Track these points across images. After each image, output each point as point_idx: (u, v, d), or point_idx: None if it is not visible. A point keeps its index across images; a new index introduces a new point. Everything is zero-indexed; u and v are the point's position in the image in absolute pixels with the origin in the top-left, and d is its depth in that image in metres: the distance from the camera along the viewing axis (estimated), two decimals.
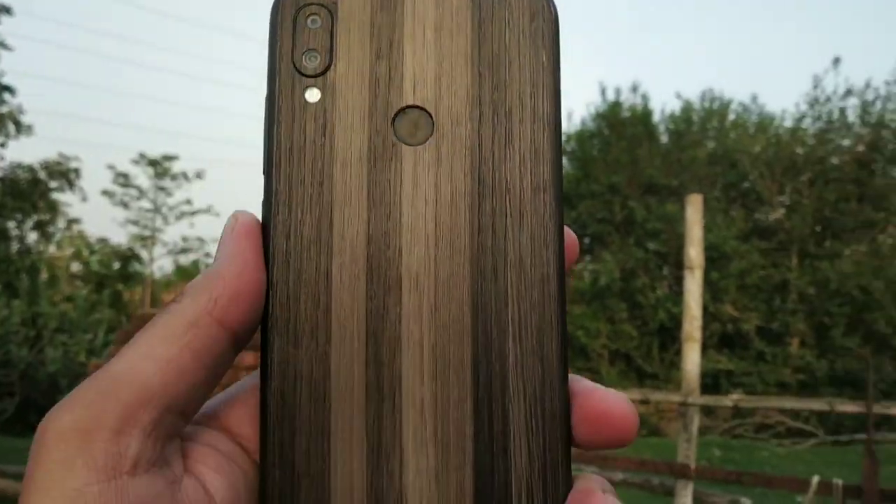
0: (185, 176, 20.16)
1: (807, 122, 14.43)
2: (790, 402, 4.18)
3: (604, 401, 0.28)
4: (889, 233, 13.43)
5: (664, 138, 15.19)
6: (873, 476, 3.09)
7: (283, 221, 0.29)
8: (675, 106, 15.35)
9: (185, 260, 21.58)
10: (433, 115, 0.30)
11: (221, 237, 0.30)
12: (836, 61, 15.58)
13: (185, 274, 21.00)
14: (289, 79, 0.30)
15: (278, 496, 0.28)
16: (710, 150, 14.46)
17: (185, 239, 20.61)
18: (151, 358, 0.26)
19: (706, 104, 15.40)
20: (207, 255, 20.13)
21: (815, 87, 16.82)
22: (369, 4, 0.31)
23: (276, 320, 0.29)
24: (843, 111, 14.15)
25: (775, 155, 13.72)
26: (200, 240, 20.53)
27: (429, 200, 0.29)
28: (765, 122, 15.13)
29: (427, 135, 0.30)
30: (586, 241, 14.83)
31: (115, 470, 0.24)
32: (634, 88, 15.60)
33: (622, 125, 14.89)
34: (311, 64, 0.30)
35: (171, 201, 20.34)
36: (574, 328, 12.90)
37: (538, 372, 0.29)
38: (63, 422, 0.24)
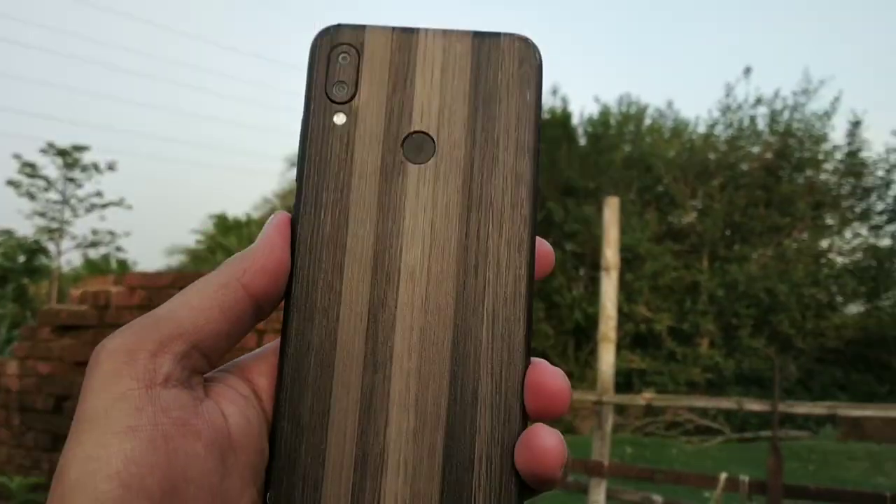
0: (95, 167, 19.46)
1: (719, 129, 14.89)
2: (701, 401, 4.30)
3: (543, 375, 0.34)
4: (794, 237, 13.95)
5: (582, 141, 15.43)
6: (778, 472, 3.19)
7: (307, 219, 0.36)
8: (593, 109, 15.59)
9: (94, 254, 20.84)
10: (435, 140, 0.36)
11: (263, 229, 0.36)
12: (748, 71, 16.10)
13: (95, 268, 20.30)
14: (321, 104, 0.37)
15: (285, 441, 0.34)
16: (627, 154, 14.75)
17: (95, 232, 19.86)
18: (187, 306, 0.33)
19: (623, 109, 15.72)
20: (119, 248, 19.51)
21: (728, 95, 17.38)
22: (389, 46, 0.38)
23: (296, 298, 0.35)
24: (753, 119, 14.64)
25: (689, 160, 14.09)
26: (111, 233, 19.82)
27: (427, 209, 0.36)
28: (679, 128, 15.53)
29: (429, 156, 0.36)
30: None
31: (152, 381, 0.31)
32: (554, 91, 15.81)
33: (543, 127, 15.05)
34: (340, 93, 0.37)
35: (80, 193, 19.62)
36: None
37: (505, 354, 0.34)
38: (114, 343, 0.31)
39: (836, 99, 15.45)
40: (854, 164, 14.25)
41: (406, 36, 0.38)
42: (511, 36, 0.38)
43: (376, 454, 0.33)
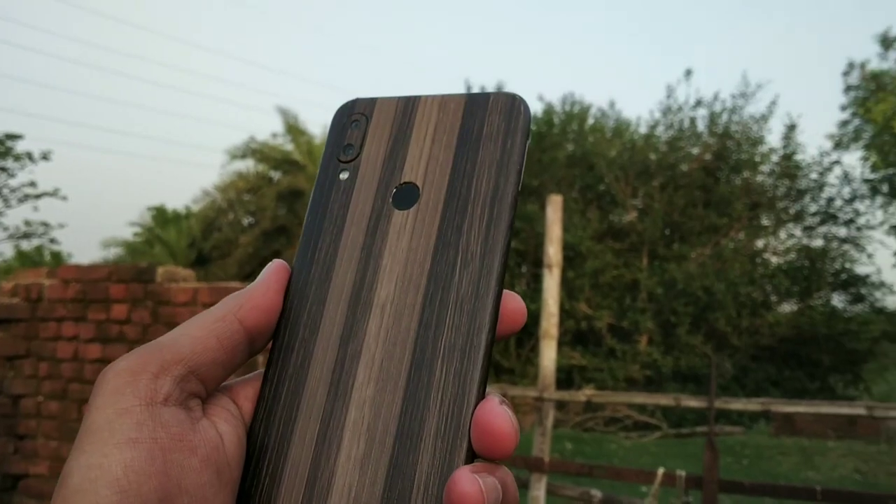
0: (29, 156, 18.91)
1: (660, 130, 15.11)
2: (640, 398, 4.35)
3: (491, 414, 0.34)
4: (731, 237, 14.24)
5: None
6: (714, 467, 3.25)
7: (302, 262, 0.40)
8: (537, 108, 15.68)
9: (27, 245, 20.24)
10: (420, 189, 0.39)
11: (262, 272, 0.40)
12: (688, 73, 16.39)
13: (28, 260, 19.72)
14: (330, 165, 0.42)
15: (251, 462, 0.36)
16: (570, 153, 14.87)
17: (28, 223, 19.25)
18: (187, 335, 0.36)
19: (567, 108, 15.85)
20: (53, 240, 18.94)
21: (669, 96, 17.69)
22: (393, 112, 0.42)
23: (281, 330, 0.39)
24: (693, 121, 14.88)
25: (630, 160, 14.27)
26: (45, 224, 19.25)
27: (403, 250, 0.38)
28: (621, 128, 15.72)
29: (412, 203, 0.39)
30: None
31: (153, 399, 0.33)
32: (499, 89, 15.85)
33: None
34: (347, 154, 0.42)
35: (13, 183, 19.03)
36: None
37: (456, 390, 0.35)
38: (120, 365, 0.34)
39: (773, 103, 15.84)
40: (789, 167, 14.60)
41: (409, 102, 0.42)
42: (500, 93, 0.40)
43: (325, 479, 0.35)
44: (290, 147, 19.10)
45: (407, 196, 0.39)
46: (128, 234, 23.71)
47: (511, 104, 0.40)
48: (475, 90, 16.54)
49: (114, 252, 21.00)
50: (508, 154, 0.39)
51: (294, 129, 18.99)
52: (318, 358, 0.37)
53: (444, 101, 0.41)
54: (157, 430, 0.33)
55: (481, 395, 0.35)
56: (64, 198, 18.39)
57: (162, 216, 21.78)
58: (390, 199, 0.40)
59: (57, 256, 20.31)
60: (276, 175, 18.92)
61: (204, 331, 0.36)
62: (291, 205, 18.12)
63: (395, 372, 0.36)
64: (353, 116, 0.42)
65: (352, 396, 0.36)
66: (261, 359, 3.14)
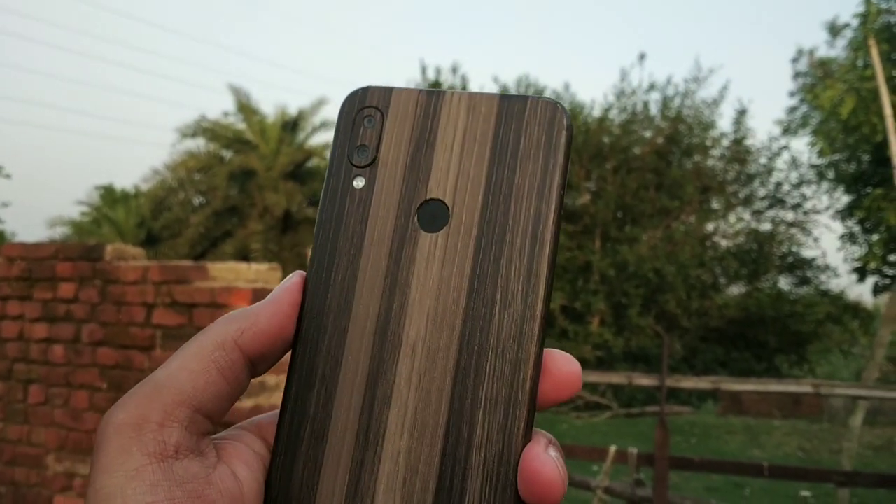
0: None
1: (613, 113, 15.20)
2: (593, 377, 4.40)
3: (538, 463, 0.32)
4: (682, 220, 14.43)
5: None
6: (665, 445, 3.30)
7: (317, 283, 0.36)
8: (492, 89, 15.65)
9: None
10: (450, 208, 0.35)
11: (280, 283, 0.37)
12: (642, 57, 16.56)
13: None
14: (342, 167, 0.37)
15: None
16: None
17: None
18: (186, 370, 0.33)
19: (522, 89, 15.86)
20: None
21: (623, 80, 17.79)
22: (413, 109, 0.37)
23: (297, 364, 0.35)
24: (646, 104, 15.01)
25: (584, 142, 14.36)
26: None
27: (434, 281, 0.34)
28: (575, 111, 15.79)
29: (442, 225, 0.35)
30: None
31: (163, 454, 0.31)
32: (454, 69, 15.82)
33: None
34: (361, 157, 0.37)
35: None
36: None
37: (499, 446, 0.33)
38: (119, 417, 0.31)
39: (725, 87, 16.10)
40: (739, 151, 14.83)
41: (431, 98, 0.37)
42: (538, 99, 0.36)
43: None
44: (242, 126, 18.85)
45: (434, 215, 0.35)
46: (75, 213, 23.24)
47: (552, 114, 0.36)
48: (430, 71, 16.49)
49: (60, 231, 20.57)
50: (550, 175, 0.35)
51: (246, 108, 18.74)
52: (342, 399, 0.34)
53: (472, 100, 0.36)
54: (172, 490, 0.30)
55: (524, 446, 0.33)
56: (7, 176, 17.93)
57: (110, 195, 21.37)
58: (415, 218, 0.35)
59: (0, 235, 19.83)
60: (227, 154, 18.66)
61: (203, 362, 0.33)
62: (243, 184, 17.90)
63: (431, 423, 0.33)
64: (366, 111, 0.37)
65: (384, 447, 0.33)
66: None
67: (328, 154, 0.38)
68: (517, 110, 0.36)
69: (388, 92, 0.37)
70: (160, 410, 0.31)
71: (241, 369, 0.34)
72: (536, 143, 0.35)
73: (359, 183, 0.36)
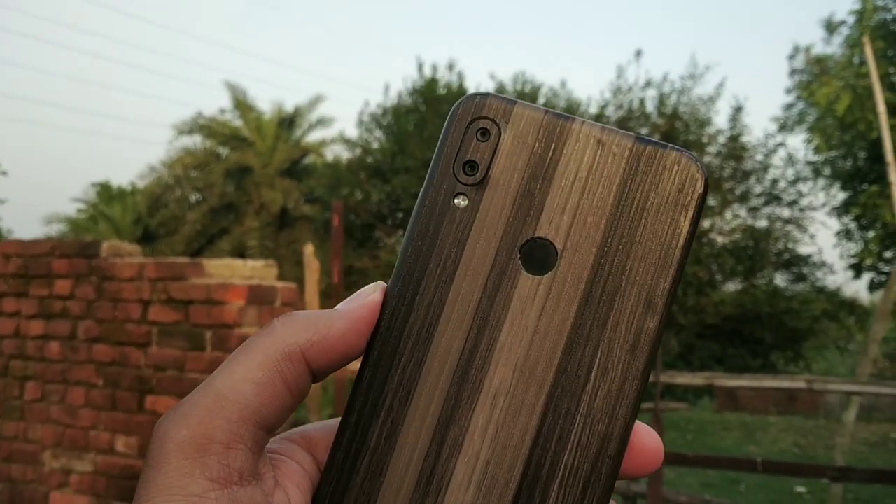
0: None
1: (610, 110, 15.19)
2: None
3: None
4: None
5: None
6: None
7: (398, 303, 0.32)
8: (489, 86, 15.66)
9: None
10: (558, 252, 0.32)
11: (357, 294, 0.33)
12: (639, 54, 16.55)
13: None
14: (445, 180, 0.33)
15: None
16: None
17: None
18: (251, 381, 0.30)
19: (518, 87, 15.87)
20: None
21: (619, 77, 17.80)
22: (536, 131, 0.33)
23: (363, 386, 0.32)
24: (642, 101, 15.02)
25: None
26: None
27: (529, 329, 0.31)
28: (572, 108, 15.78)
29: (547, 269, 0.32)
30: (399, 215, 14.93)
31: (227, 480, 0.29)
32: (451, 66, 15.83)
33: (438, 102, 15.06)
34: (469, 173, 0.33)
35: None
36: None
37: None
38: (181, 435, 0.29)
39: (721, 84, 16.04)
40: (735, 148, 14.83)
41: (558, 123, 0.33)
42: (678, 151, 0.32)
43: None
44: (238, 123, 18.84)
45: (540, 256, 0.32)
46: (71, 210, 23.21)
47: (689, 171, 0.32)
48: (426, 67, 16.47)
49: (57, 228, 20.55)
50: (676, 239, 0.32)
51: (242, 105, 18.72)
52: (408, 436, 0.31)
53: (603, 136, 0.32)
54: None
55: None
56: (4, 172, 17.90)
57: (107, 192, 21.35)
58: (518, 255, 0.32)
59: None
60: (223, 151, 18.65)
61: (269, 373, 0.30)
62: (239, 181, 17.89)
63: (502, 481, 0.30)
64: (482, 122, 0.33)
65: (446, 497, 0.30)
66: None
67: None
68: (652, 157, 0.32)
69: (510, 105, 0.33)
70: (225, 429, 0.29)
71: (305, 381, 0.32)
72: (666, 200, 0.32)
73: (461, 202, 0.33)
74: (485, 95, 0.34)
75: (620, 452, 0.31)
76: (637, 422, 0.32)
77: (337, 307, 0.33)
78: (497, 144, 0.33)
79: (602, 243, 0.32)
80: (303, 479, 0.32)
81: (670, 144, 0.33)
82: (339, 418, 0.33)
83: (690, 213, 0.32)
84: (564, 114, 0.33)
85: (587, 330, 0.31)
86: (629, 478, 0.32)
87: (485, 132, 0.33)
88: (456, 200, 0.33)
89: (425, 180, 0.33)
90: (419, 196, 0.33)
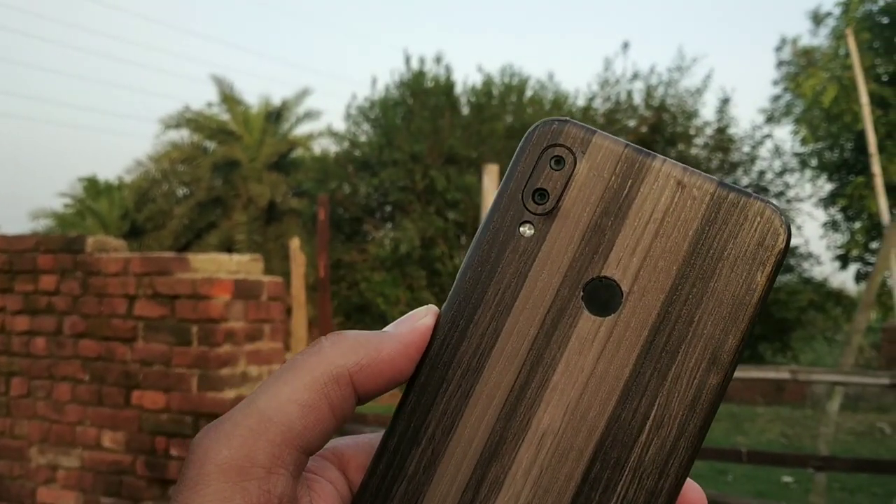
0: None
1: (597, 102, 15.22)
2: None
3: None
4: None
5: (465, 110, 15.51)
6: None
7: (451, 329, 0.31)
8: (476, 79, 15.65)
9: None
10: (624, 295, 0.30)
11: (409, 317, 0.32)
12: (626, 46, 16.54)
13: None
14: (513, 206, 0.31)
15: None
16: (509, 124, 14.91)
17: None
18: (297, 403, 0.29)
19: (506, 80, 15.85)
20: None
21: (606, 69, 17.80)
22: (613, 167, 0.31)
23: (406, 411, 0.30)
24: (629, 93, 15.04)
25: None
26: None
27: (585, 372, 0.30)
28: (559, 100, 15.79)
29: (611, 311, 0.30)
30: (388, 208, 14.92)
31: None
32: (438, 59, 15.79)
33: (425, 95, 15.03)
34: (539, 201, 0.31)
35: None
36: (374, 295, 12.99)
37: None
38: (223, 456, 0.27)
39: (708, 76, 16.12)
40: (722, 140, 14.88)
41: (637, 158, 0.31)
42: (763, 202, 0.31)
43: None
44: (225, 117, 18.77)
45: (604, 297, 0.31)
46: (58, 205, 23.09)
47: (772, 223, 0.30)
48: (413, 60, 16.47)
49: (43, 223, 20.44)
50: (750, 294, 0.30)
51: (230, 99, 18.65)
52: (448, 468, 0.30)
53: (685, 178, 0.31)
54: None
55: None
56: None
57: (93, 187, 21.24)
58: (581, 293, 0.31)
59: None
60: (211, 145, 18.59)
61: (316, 395, 0.29)
62: (227, 175, 17.84)
63: None
64: (558, 149, 0.32)
65: None
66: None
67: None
68: (734, 206, 0.31)
69: (589, 134, 0.32)
70: (268, 452, 0.28)
71: (350, 405, 0.30)
72: (745, 253, 0.30)
73: (527, 230, 0.31)
74: (563, 122, 0.32)
75: None
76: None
77: (386, 329, 0.32)
78: (571, 174, 0.31)
79: (671, 290, 0.30)
80: (336, 500, 0.31)
81: (755, 193, 0.31)
82: (373, 434, 0.33)
83: (768, 269, 0.30)
84: (645, 150, 0.31)
85: (646, 379, 0.30)
86: None
87: (559, 160, 0.32)
88: (522, 229, 0.31)
89: (492, 204, 0.32)
90: (483, 220, 0.32)
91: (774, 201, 0.32)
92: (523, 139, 0.32)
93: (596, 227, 0.31)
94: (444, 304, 0.32)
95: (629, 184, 0.31)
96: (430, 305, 0.32)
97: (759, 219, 0.30)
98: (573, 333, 0.30)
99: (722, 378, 0.30)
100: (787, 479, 6.67)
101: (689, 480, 0.31)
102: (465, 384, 0.30)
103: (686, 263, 0.30)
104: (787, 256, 0.31)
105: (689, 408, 0.29)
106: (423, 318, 0.32)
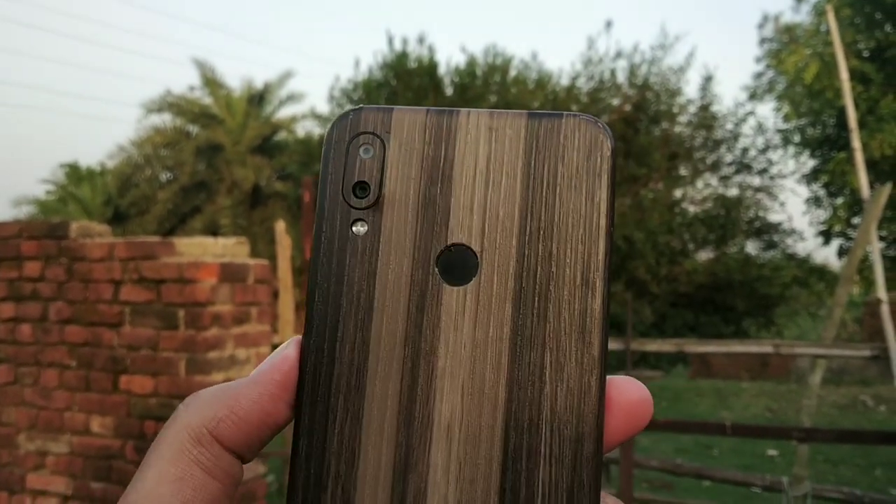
0: None
1: (581, 82, 15.21)
2: None
3: None
4: (650, 187, 14.53)
5: (449, 91, 15.46)
6: None
7: (317, 356, 0.29)
8: (460, 59, 15.59)
9: None
10: (478, 255, 0.29)
11: (271, 356, 0.30)
12: (609, 24, 16.52)
13: None
14: (337, 210, 0.30)
15: None
16: (493, 104, 14.88)
17: None
18: (166, 481, 0.27)
19: (489, 59, 15.81)
20: None
21: (589, 48, 17.80)
22: (422, 135, 0.30)
23: (303, 464, 0.28)
24: (613, 72, 15.03)
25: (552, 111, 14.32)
26: None
27: (467, 346, 0.29)
28: (543, 80, 15.76)
29: (471, 276, 0.29)
30: None
31: None
32: (421, 40, 15.72)
33: (409, 76, 14.98)
34: (361, 196, 0.30)
35: None
36: None
37: None
38: None
39: (691, 54, 16.17)
40: (706, 118, 14.91)
41: (443, 119, 0.30)
42: (576, 117, 0.30)
43: None
44: (207, 100, 18.64)
45: (460, 264, 0.29)
46: (40, 192, 22.92)
47: (593, 134, 0.30)
48: (396, 41, 16.40)
49: (25, 210, 20.29)
50: (597, 208, 0.29)
51: (211, 82, 18.52)
52: (364, 502, 0.28)
53: (494, 120, 0.30)
54: None
55: None
56: None
57: (75, 173, 21.09)
58: (436, 269, 0.29)
59: None
60: (193, 129, 18.46)
61: (182, 464, 0.27)
62: (210, 159, 17.74)
63: None
64: (362, 138, 0.30)
65: None
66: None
67: (319, 180, 0.31)
68: (550, 130, 0.30)
69: (387, 113, 0.31)
70: None
71: (228, 462, 0.28)
72: (577, 171, 0.30)
73: (360, 228, 0.30)
74: (357, 110, 0.31)
75: (598, 450, 0.28)
76: (617, 377, 0.30)
77: (252, 373, 0.30)
78: (384, 158, 0.30)
79: (521, 233, 0.29)
80: None
81: (565, 112, 0.31)
82: None
83: (605, 178, 0.30)
84: (447, 108, 0.31)
85: (529, 329, 0.29)
86: (620, 441, 0.30)
87: (367, 148, 0.30)
88: (354, 229, 0.30)
89: (316, 215, 0.30)
90: (314, 234, 0.30)
91: (586, 113, 0.30)
92: (325, 140, 0.31)
93: (426, 199, 0.30)
94: (303, 333, 0.30)
95: (443, 146, 0.30)
96: (293, 338, 0.30)
97: (577, 134, 0.30)
98: (442, 312, 0.29)
99: (601, 298, 0.29)
100: (772, 452, 6.76)
101: (623, 379, 0.30)
102: (353, 406, 0.29)
103: (525, 203, 0.29)
104: (616, 161, 0.31)
105: (581, 340, 0.29)
106: (281, 351, 0.30)
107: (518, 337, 0.29)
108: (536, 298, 0.29)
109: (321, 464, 0.28)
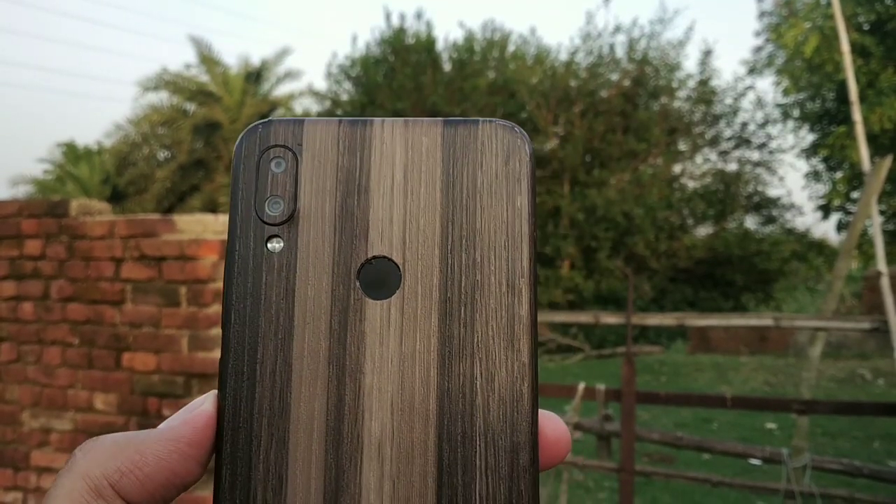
0: None
1: (580, 57, 15.14)
2: (560, 317, 4.47)
3: None
4: (649, 163, 14.51)
5: (447, 67, 15.40)
6: (632, 380, 3.38)
7: (237, 384, 0.28)
8: (458, 35, 15.51)
9: None
10: (400, 267, 0.28)
11: (184, 409, 0.28)
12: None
13: None
14: (250, 227, 0.29)
15: None
16: (491, 80, 14.83)
17: None
18: None
19: (488, 35, 15.74)
20: None
21: (588, 23, 17.70)
22: (335, 146, 0.29)
23: (225, 496, 0.27)
24: (612, 47, 14.96)
25: (551, 87, 14.31)
26: None
27: (394, 361, 0.28)
28: (542, 55, 15.70)
29: (394, 288, 0.28)
30: None
31: None
32: (419, 15, 15.67)
33: (406, 52, 14.91)
34: (275, 211, 0.29)
35: None
36: None
37: None
38: None
39: (690, 28, 16.05)
40: (705, 92, 14.87)
41: (357, 130, 0.29)
42: (492, 123, 0.30)
43: None
44: (204, 78, 18.56)
45: (381, 277, 0.28)
46: (37, 171, 22.88)
47: (510, 139, 0.30)
48: (394, 17, 16.27)
49: (24, 190, 20.27)
50: (518, 212, 0.29)
51: (208, 60, 18.43)
52: None
53: (410, 129, 0.29)
54: None
55: None
56: None
57: (73, 152, 21.03)
58: (357, 283, 0.28)
59: None
60: (191, 107, 18.40)
61: None
62: (208, 137, 17.69)
63: None
64: (272, 151, 0.29)
65: None
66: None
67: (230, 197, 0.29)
68: (467, 138, 0.29)
69: (298, 125, 0.30)
70: None
71: None
72: (496, 177, 0.29)
73: (276, 245, 0.29)
74: (267, 123, 0.30)
75: (534, 459, 0.27)
76: (541, 412, 0.29)
77: (161, 425, 0.28)
78: (297, 171, 0.29)
79: (444, 242, 0.29)
80: None
81: (481, 119, 0.30)
82: None
83: (525, 183, 0.29)
84: (360, 119, 0.30)
85: (457, 339, 0.28)
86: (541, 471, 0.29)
87: (279, 162, 0.29)
88: (270, 246, 0.29)
89: (228, 233, 0.29)
90: (226, 255, 0.29)
91: (502, 119, 0.29)
92: (234, 155, 0.30)
93: (344, 212, 0.29)
94: (221, 356, 0.29)
95: (359, 157, 0.29)
96: (211, 392, 0.29)
97: (495, 140, 0.29)
98: (366, 327, 0.28)
99: (528, 303, 0.28)
100: (771, 425, 6.80)
101: (546, 415, 0.29)
102: (277, 431, 0.27)
103: (446, 211, 0.29)
104: (535, 165, 0.30)
105: (510, 347, 0.28)
106: (199, 407, 0.28)
107: (446, 348, 0.28)
108: (462, 308, 0.28)
109: (246, 493, 0.27)
